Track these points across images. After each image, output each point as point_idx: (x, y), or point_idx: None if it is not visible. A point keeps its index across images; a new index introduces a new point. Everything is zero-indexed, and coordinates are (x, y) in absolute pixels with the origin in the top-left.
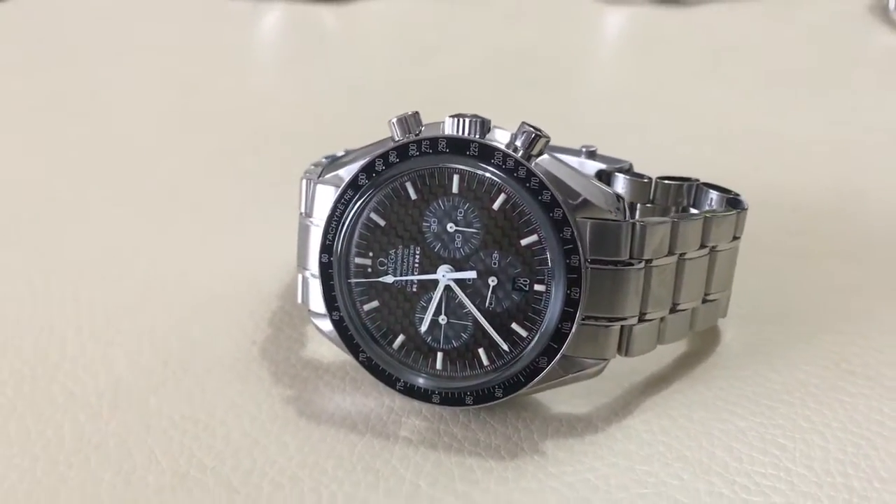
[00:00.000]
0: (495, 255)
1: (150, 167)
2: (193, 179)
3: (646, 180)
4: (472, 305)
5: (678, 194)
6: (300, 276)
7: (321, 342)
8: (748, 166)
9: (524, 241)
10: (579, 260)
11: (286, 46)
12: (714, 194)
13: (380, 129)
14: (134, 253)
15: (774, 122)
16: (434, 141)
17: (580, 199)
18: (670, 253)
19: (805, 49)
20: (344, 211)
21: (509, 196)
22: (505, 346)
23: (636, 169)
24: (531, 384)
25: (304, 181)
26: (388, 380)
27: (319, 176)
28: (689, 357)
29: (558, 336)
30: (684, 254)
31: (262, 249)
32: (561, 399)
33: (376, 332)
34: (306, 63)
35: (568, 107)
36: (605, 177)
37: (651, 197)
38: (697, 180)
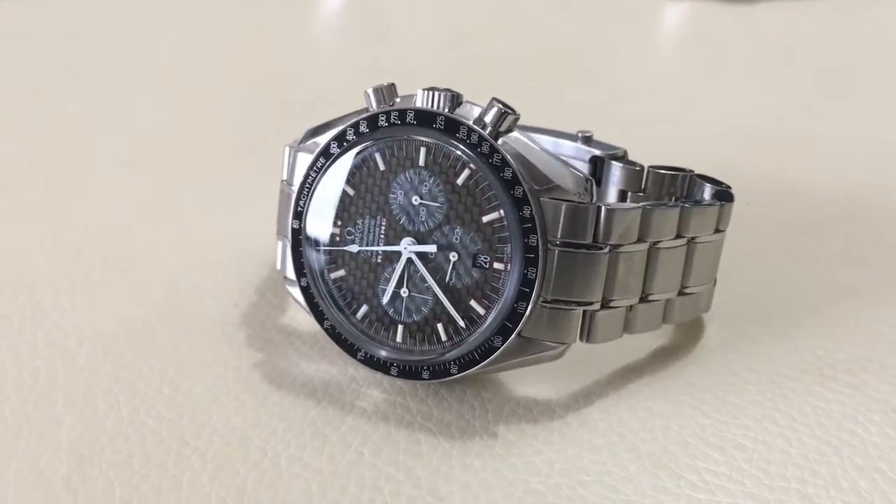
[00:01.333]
0: (458, 230)
1: (174, 135)
2: (210, 149)
3: (638, 168)
4: (432, 280)
5: (671, 184)
6: (279, 244)
7: (299, 310)
8: (776, 165)
9: (486, 218)
10: (537, 240)
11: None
12: (707, 186)
13: None
14: (139, 214)
15: (815, 123)
16: (403, 112)
17: (544, 179)
18: (640, 240)
19: (864, 50)
20: (315, 178)
21: (473, 172)
22: (462, 323)
23: (668, 160)
24: (485, 363)
25: (287, 149)
26: (350, 349)
27: (300, 143)
28: (665, 350)
29: (514, 316)
30: (657, 242)
31: (262, 219)
32: (525, 381)
33: (341, 300)
34: (349, 45)
35: (609, 98)
36: (598, 163)
37: (643, 186)
38: (691, 171)
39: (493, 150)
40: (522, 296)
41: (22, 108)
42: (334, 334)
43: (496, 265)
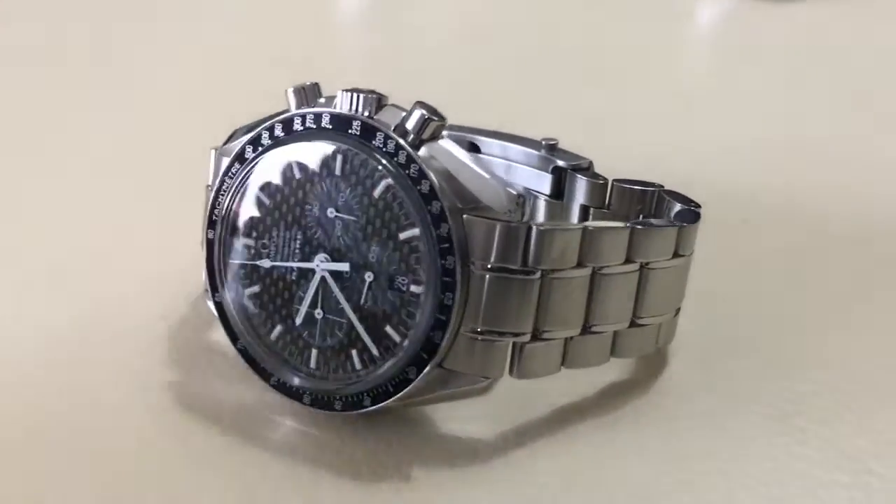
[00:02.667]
0: (374, 248)
1: (154, 137)
2: (184, 148)
3: (601, 182)
4: (345, 302)
5: (636, 200)
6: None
7: None
8: (790, 181)
9: (402, 236)
10: (454, 262)
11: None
12: (676, 204)
13: None
14: (88, 217)
15: (843, 139)
16: (318, 116)
17: (468, 195)
18: (580, 265)
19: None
20: (230, 185)
21: (390, 184)
22: (375, 351)
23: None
24: (399, 396)
25: (212, 151)
26: (263, 373)
27: (223, 145)
28: (617, 387)
29: (429, 346)
30: (602, 268)
31: None
32: (453, 416)
33: (255, 319)
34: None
35: (627, 99)
36: (561, 174)
37: (607, 201)
38: (660, 186)
39: (411, 160)
40: (439, 324)
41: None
42: (247, 356)
43: (413, 288)
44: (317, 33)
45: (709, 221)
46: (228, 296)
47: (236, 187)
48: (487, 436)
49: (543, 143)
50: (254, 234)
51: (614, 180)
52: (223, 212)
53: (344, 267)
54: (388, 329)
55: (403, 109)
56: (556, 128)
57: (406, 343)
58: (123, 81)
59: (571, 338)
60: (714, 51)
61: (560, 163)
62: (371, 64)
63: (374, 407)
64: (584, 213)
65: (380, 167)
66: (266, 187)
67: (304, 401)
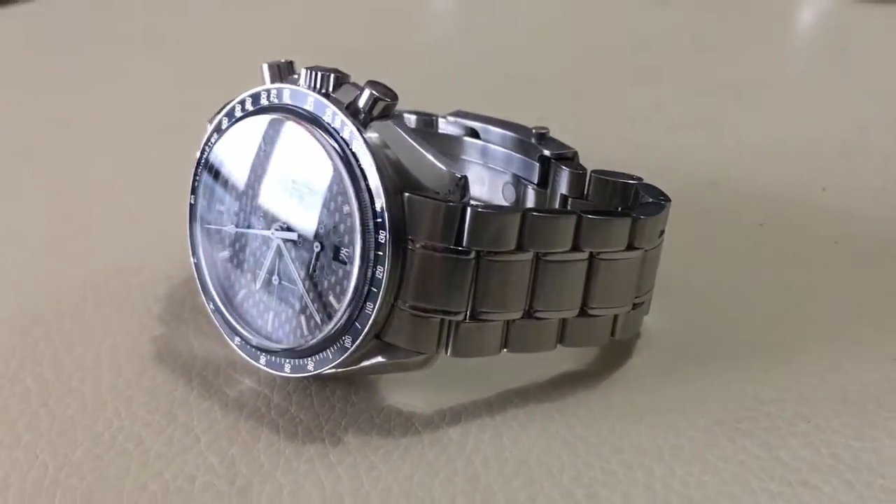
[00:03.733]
0: (323, 219)
1: (169, 106)
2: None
3: (580, 172)
4: (294, 269)
5: (613, 192)
6: None
7: None
8: (825, 187)
9: (346, 209)
10: (386, 237)
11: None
12: (649, 198)
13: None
14: (115, 175)
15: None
16: (280, 91)
17: (407, 173)
18: (521, 249)
19: None
20: (207, 154)
21: (333, 158)
22: (318, 318)
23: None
24: (338, 362)
25: (207, 123)
26: (229, 333)
27: (213, 117)
28: (569, 376)
29: (362, 317)
30: (547, 254)
31: None
32: (400, 390)
33: (225, 282)
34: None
35: (715, 99)
36: (545, 164)
37: (585, 192)
38: (639, 179)
39: (353, 136)
40: (371, 296)
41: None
42: (217, 316)
43: (356, 260)
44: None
45: (728, 223)
46: (204, 258)
47: (212, 155)
48: (426, 411)
49: (534, 131)
50: (225, 200)
51: (593, 171)
52: (201, 178)
53: (292, 236)
54: (331, 298)
55: (360, 88)
56: (650, 128)
57: (342, 312)
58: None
59: (513, 321)
60: (810, 51)
61: (545, 152)
62: (434, 56)
63: (315, 372)
64: (564, 203)
65: (325, 142)
66: (234, 156)
67: (261, 361)
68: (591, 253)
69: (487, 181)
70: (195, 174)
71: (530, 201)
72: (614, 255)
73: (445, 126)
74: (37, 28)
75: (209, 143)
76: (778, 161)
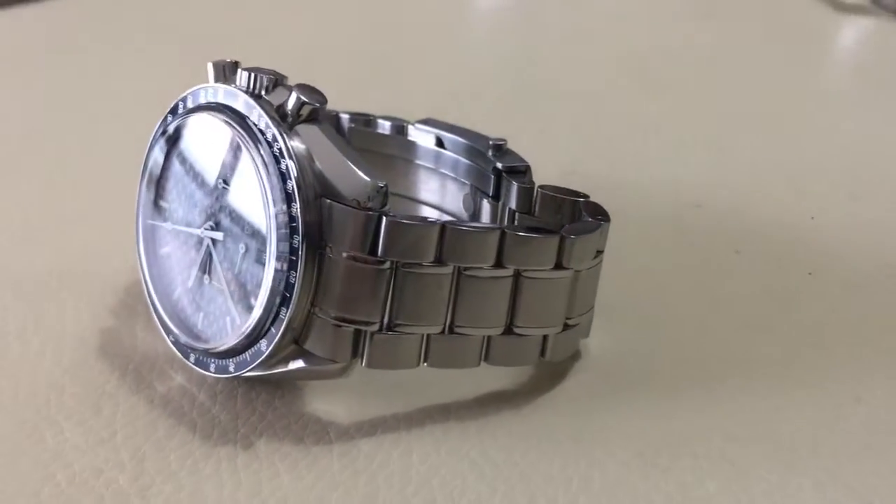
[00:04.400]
0: (246, 220)
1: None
2: None
3: (527, 187)
4: (220, 270)
5: (558, 209)
6: None
7: None
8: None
9: (265, 212)
10: (299, 242)
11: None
12: (589, 217)
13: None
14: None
15: None
16: (217, 90)
17: (323, 179)
18: (440, 262)
19: None
20: (151, 146)
21: (255, 160)
22: (239, 320)
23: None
24: (254, 365)
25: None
26: (166, 329)
27: None
28: (498, 396)
29: (276, 322)
30: (468, 269)
31: None
32: (325, 397)
33: (165, 278)
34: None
35: (751, 118)
36: (498, 176)
37: (533, 207)
38: (585, 197)
39: (275, 138)
40: (284, 301)
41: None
42: (155, 310)
43: (275, 262)
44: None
45: (703, 247)
46: (145, 253)
47: (155, 149)
48: (345, 421)
49: (490, 143)
50: (165, 196)
51: (539, 187)
52: (146, 170)
53: (218, 236)
54: (253, 300)
55: (296, 86)
56: (655, 142)
57: (257, 315)
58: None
59: (433, 335)
60: (843, 73)
61: (498, 165)
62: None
63: (236, 374)
64: (512, 218)
65: (248, 144)
66: (173, 152)
67: (190, 360)
68: (515, 270)
69: (450, 191)
70: (143, 167)
71: (485, 214)
72: (541, 273)
73: (415, 133)
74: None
75: (154, 139)
76: (774, 186)
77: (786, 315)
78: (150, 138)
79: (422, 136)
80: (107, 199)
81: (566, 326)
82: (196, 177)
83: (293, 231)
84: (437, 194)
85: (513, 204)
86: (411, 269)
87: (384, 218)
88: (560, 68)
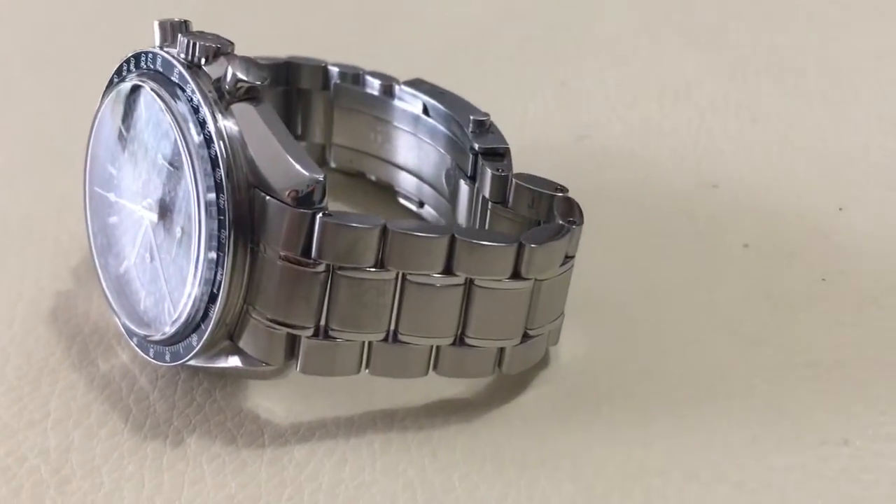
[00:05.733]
0: (182, 205)
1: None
2: None
3: (502, 174)
4: (157, 253)
5: (533, 202)
6: None
7: None
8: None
9: (199, 199)
10: (227, 237)
11: None
12: (559, 218)
13: None
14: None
15: None
16: (155, 57)
17: (254, 169)
18: (381, 267)
19: None
20: (99, 110)
21: (183, 141)
22: (173, 309)
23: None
24: (188, 358)
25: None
26: (110, 305)
27: None
28: (448, 404)
29: (205, 318)
30: (413, 275)
31: None
32: (269, 394)
33: (112, 247)
34: None
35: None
36: (475, 157)
37: (507, 198)
38: (563, 191)
39: (206, 121)
40: (213, 298)
41: None
42: (104, 285)
43: (202, 258)
44: None
45: (711, 238)
46: (93, 221)
47: (102, 113)
48: (283, 422)
49: (472, 119)
50: (111, 164)
51: (515, 176)
52: (93, 135)
53: (153, 217)
54: (187, 289)
55: (235, 60)
56: (677, 107)
57: (187, 311)
58: None
59: (374, 343)
60: None
61: (475, 144)
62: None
63: (171, 364)
64: (485, 207)
65: (180, 124)
66: (115, 120)
67: (133, 341)
68: (467, 278)
69: (431, 160)
70: (90, 132)
71: (462, 195)
72: (495, 283)
73: (402, 95)
74: None
75: (101, 100)
76: (806, 166)
77: (784, 327)
78: (100, 100)
79: (409, 100)
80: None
81: (526, 337)
82: (140, 146)
83: (220, 225)
84: (417, 162)
85: (486, 192)
86: (349, 274)
87: (318, 217)
88: (592, 11)
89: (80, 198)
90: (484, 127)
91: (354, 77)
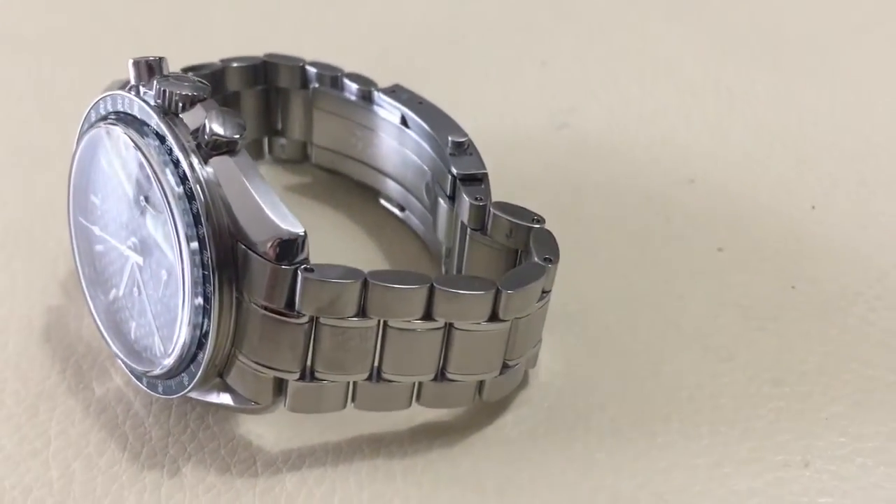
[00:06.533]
0: (165, 253)
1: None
2: None
3: (480, 203)
4: (144, 291)
5: (511, 232)
6: None
7: None
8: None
9: (182, 254)
10: (212, 291)
11: None
12: (535, 251)
13: None
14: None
15: None
16: (132, 103)
17: (237, 224)
18: (363, 315)
19: None
20: (79, 139)
21: (165, 196)
22: (162, 347)
23: None
24: (179, 395)
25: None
26: (102, 336)
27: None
28: (430, 428)
29: (194, 362)
30: (395, 321)
31: None
32: (260, 420)
33: (100, 276)
34: None
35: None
36: (453, 181)
37: (486, 226)
38: (540, 222)
39: (185, 176)
40: (201, 346)
41: None
42: (95, 318)
43: (189, 307)
44: None
45: (685, 240)
46: (80, 250)
47: (83, 142)
48: (273, 449)
49: (450, 140)
50: (93, 194)
51: (493, 205)
52: (75, 160)
53: (139, 260)
54: (176, 327)
55: (213, 112)
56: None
57: (176, 355)
58: None
59: (358, 382)
60: None
61: (454, 169)
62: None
63: (163, 396)
64: (464, 233)
65: (159, 174)
66: (99, 151)
67: (126, 367)
68: (446, 322)
69: (412, 170)
70: (73, 156)
71: (441, 214)
72: (474, 326)
73: (381, 102)
74: None
75: (82, 129)
76: (782, 154)
77: (753, 341)
78: (79, 127)
79: (388, 108)
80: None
81: (505, 367)
82: (120, 184)
83: (205, 279)
84: (398, 169)
85: (465, 217)
86: (332, 322)
87: (300, 274)
88: None
89: (65, 207)
90: (462, 148)
91: (333, 80)
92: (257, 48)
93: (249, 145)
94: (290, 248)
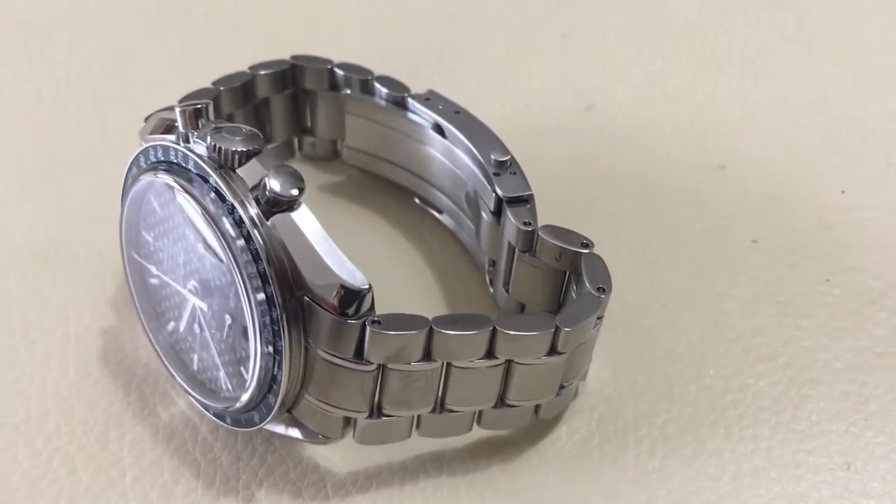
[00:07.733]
0: (230, 303)
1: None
2: None
3: (529, 228)
4: (208, 332)
5: (560, 256)
6: None
7: None
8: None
9: (256, 297)
10: (283, 345)
11: None
12: (586, 278)
13: None
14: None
15: None
16: (187, 157)
17: (302, 280)
18: (428, 359)
19: None
20: (130, 183)
21: (230, 256)
22: (229, 385)
23: None
24: (249, 430)
25: (139, 139)
26: (167, 368)
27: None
28: (490, 445)
29: (265, 404)
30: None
31: None
32: (330, 445)
33: (157, 307)
34: None
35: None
36: (498, 203)
37: (535, 250)
38: (589, 246)
39: (250, 236)
40: (273, 390)
41: None
42: (158, 351)
43: (260, 358)
44: None
45: (719, 232)
46: (135, 284)
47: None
48: (341, 471)
49: (493, 159)
50: (146, 231)
51: (541, 230)
52: (127, 197)
53: (203, 305)
54: (243, 370)
55: (267, 171)
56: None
57: (249, 392)
58: None
59: (420, 416)
60: None
61: (498, 191)
62: None
63: (232, 427)
64: (511, 253)
65: (228, 231)
66: (157, 197)
67: (190, 396)
68: (505, 360)
69: (452, 181)
70: (123, 192)
71: (485, 226)
72: (534, 360)
73: (415, 109)
74: None
75: (132, 173)
76: (809, 134)
77: (791, 338)
78: (129, 164)
79: (423, 115)
80: (110, 154)
81: (561, 388)
82: (175, 227)
83: (275, 334)
84: (438, 176)
85: (512, 239)
86: (398, 368)
87: (367, 327)
88: None
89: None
90: (505, 167)
91: (363, 83)
92: (274, 41)
93: (280, 146)
94: (356, 301)
